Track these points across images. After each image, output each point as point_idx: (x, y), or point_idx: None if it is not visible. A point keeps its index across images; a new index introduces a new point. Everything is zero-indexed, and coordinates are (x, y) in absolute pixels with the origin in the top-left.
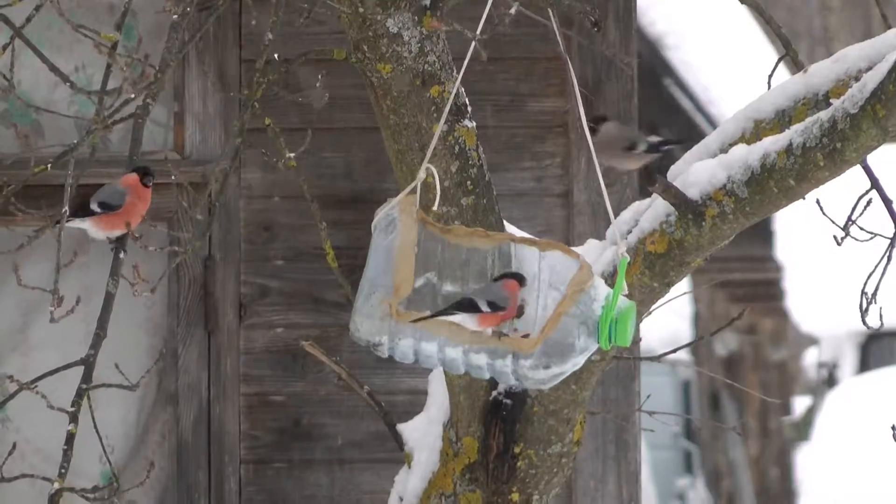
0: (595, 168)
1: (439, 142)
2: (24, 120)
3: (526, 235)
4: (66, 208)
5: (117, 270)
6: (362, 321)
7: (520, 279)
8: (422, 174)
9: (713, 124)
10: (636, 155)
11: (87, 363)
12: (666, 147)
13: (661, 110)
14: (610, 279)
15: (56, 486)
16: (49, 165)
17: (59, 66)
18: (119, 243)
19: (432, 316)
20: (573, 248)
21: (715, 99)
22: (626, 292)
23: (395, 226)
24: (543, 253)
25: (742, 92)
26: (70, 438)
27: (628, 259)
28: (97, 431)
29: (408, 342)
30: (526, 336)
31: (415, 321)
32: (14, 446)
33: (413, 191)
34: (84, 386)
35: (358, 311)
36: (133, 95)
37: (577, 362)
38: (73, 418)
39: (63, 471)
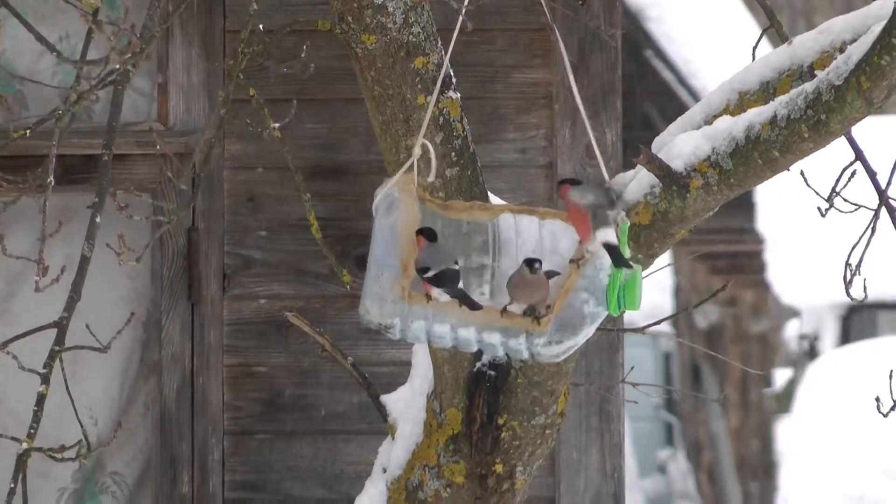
0: (583, 140)
1: (424, 113)
2: (7, 89)
3: (525, 206)
4: (52, 178)
5: (93, 234)
6: (372, 304)
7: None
8: (417, 150)
9: (695, 97)
10: None
11: (61, 326)
12: None
13: (643, 83)
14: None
15: (24, 446)
16: (28, 132)
17: (44, 36)
18: (96, 208)
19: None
20: None
21: (696, 71)
22: (629, 255)
23: (396, 205)
24: (543, 221)
25: (723, 64)
26: (40, 400)
27: (628, 223)
28: (70, 396)
29: (420, 324)
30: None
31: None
32: None
33: (410, 168)
34: (56, 348)
35: (367, 295)
36: (119, 66)
37: (588, 333)
38: (45, 380)
39: (32, 431)
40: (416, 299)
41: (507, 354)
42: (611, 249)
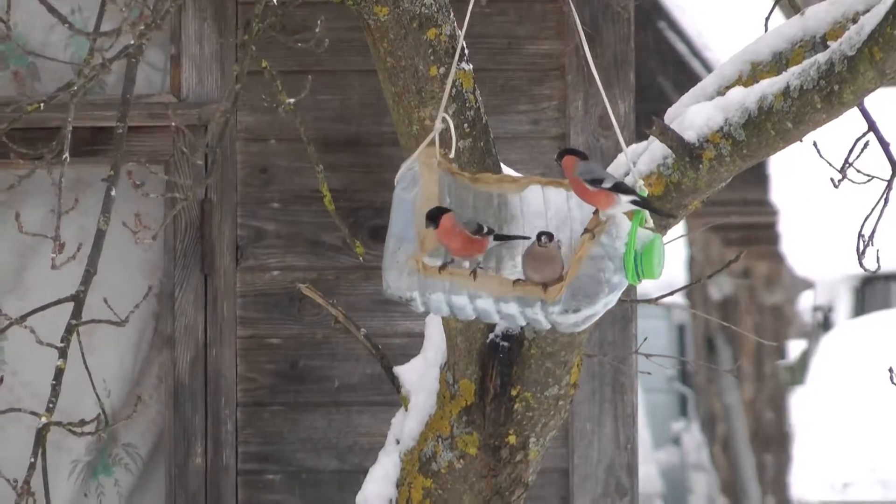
0: (596, 111)
1: (437, 84)
2: (20, 62)
3: (550, 178)
4: (67, 154)
5: (109, 208)
6: (392, 277)
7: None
8: (439, 124)
9: (707, 68)
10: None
11: (77, 299)
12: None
13: (656, 55)
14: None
15: (43, 420)
16: (42, 105)
17: (56, 8)
18: (111, 181)
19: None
20: None
21: (709, 42)
22: (650, 224)
23: (418, 180)
24: (570, 193)
25: (736, 36)
26: (59, 374)
27: (647, 192)
28: (87, 370)
29: (439, 296)
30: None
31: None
32: (1, 379)
33: (431, 142)
34: (73, 322)
35: (386, 268)
36: (133, 41)
37: (608, 301)
38: (63, 353)
39: (51, 405)
40: (432, 271)
41: (528, 324)
42: (645, 205)
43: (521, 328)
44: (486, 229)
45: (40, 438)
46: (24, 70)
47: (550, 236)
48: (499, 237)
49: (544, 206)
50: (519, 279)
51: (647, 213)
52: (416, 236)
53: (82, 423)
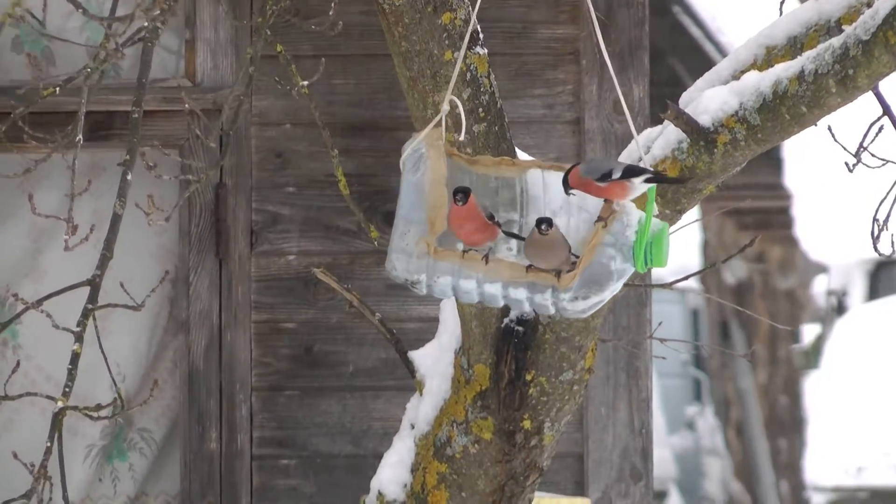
0: (610, 95)
1: (452, 69)
2: (35, 47)
3: (553, 162)
4: (80, 136)
5: (125, 192)
6: (399, 259)
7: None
8: (446, 106)
9: (722, 52)
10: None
11: (93, 284)
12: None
13: (670, 38)
14: (635, 202)
15: (59, 404)
16: (58, 89)
17: None
18: (127, 165)
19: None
20: None
21: (723, 27)
22: (657, 213)
23: (424, 161)
24: None
25: (751, 20)
26: (75, 358)
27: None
28: (103, 354)
29: (446, 280)
30: (559, 272)
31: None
32: (18, 364)
33: (438, 124)
34: (90, 306)
35: (394, 250)
36: (148, 23)
37: (614, 288)
38: (79, 338)
39: (67, 389)
40: (442, 255)
41: (533, 310)
42: (659, 179)
43: (535, 313)
44: (496, 219)
45: (56, 423)
46: (40, 54)
47: (550, 223)
48: (507, 233)
49: (543, 190)
50: (531, 265)
51: (654, 203)
52: (427, 218)
53: (98, 407)
